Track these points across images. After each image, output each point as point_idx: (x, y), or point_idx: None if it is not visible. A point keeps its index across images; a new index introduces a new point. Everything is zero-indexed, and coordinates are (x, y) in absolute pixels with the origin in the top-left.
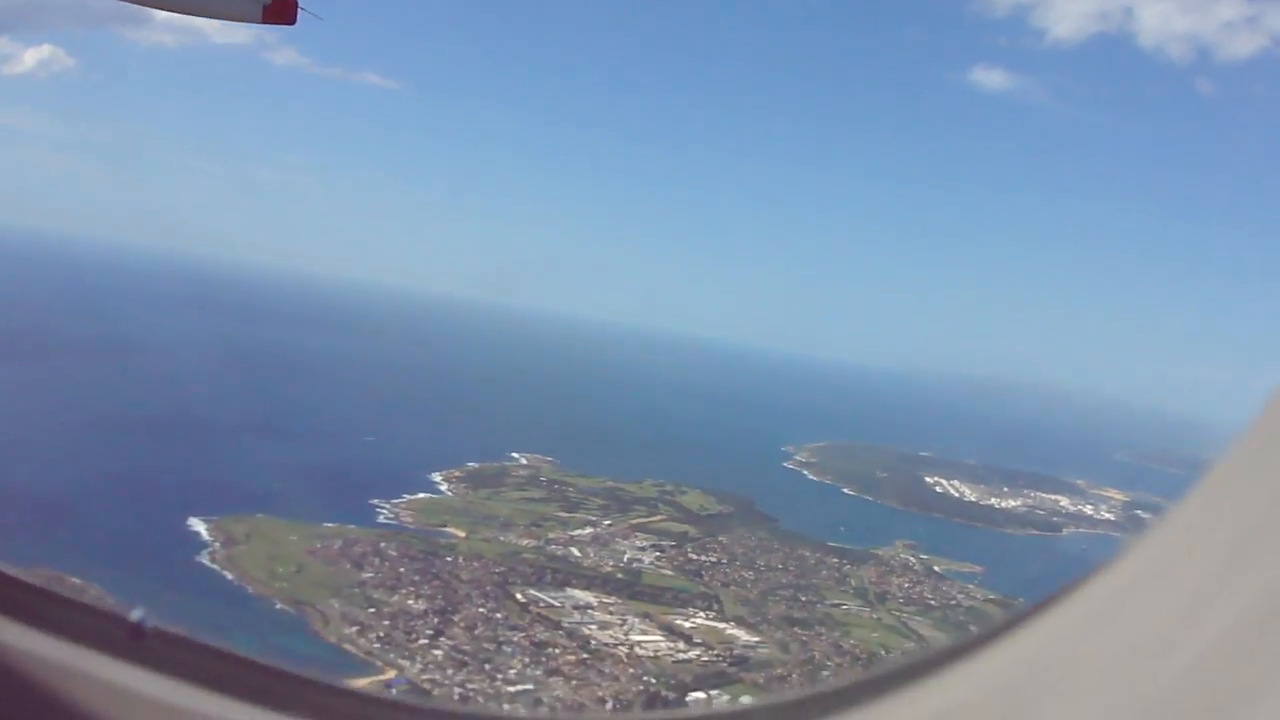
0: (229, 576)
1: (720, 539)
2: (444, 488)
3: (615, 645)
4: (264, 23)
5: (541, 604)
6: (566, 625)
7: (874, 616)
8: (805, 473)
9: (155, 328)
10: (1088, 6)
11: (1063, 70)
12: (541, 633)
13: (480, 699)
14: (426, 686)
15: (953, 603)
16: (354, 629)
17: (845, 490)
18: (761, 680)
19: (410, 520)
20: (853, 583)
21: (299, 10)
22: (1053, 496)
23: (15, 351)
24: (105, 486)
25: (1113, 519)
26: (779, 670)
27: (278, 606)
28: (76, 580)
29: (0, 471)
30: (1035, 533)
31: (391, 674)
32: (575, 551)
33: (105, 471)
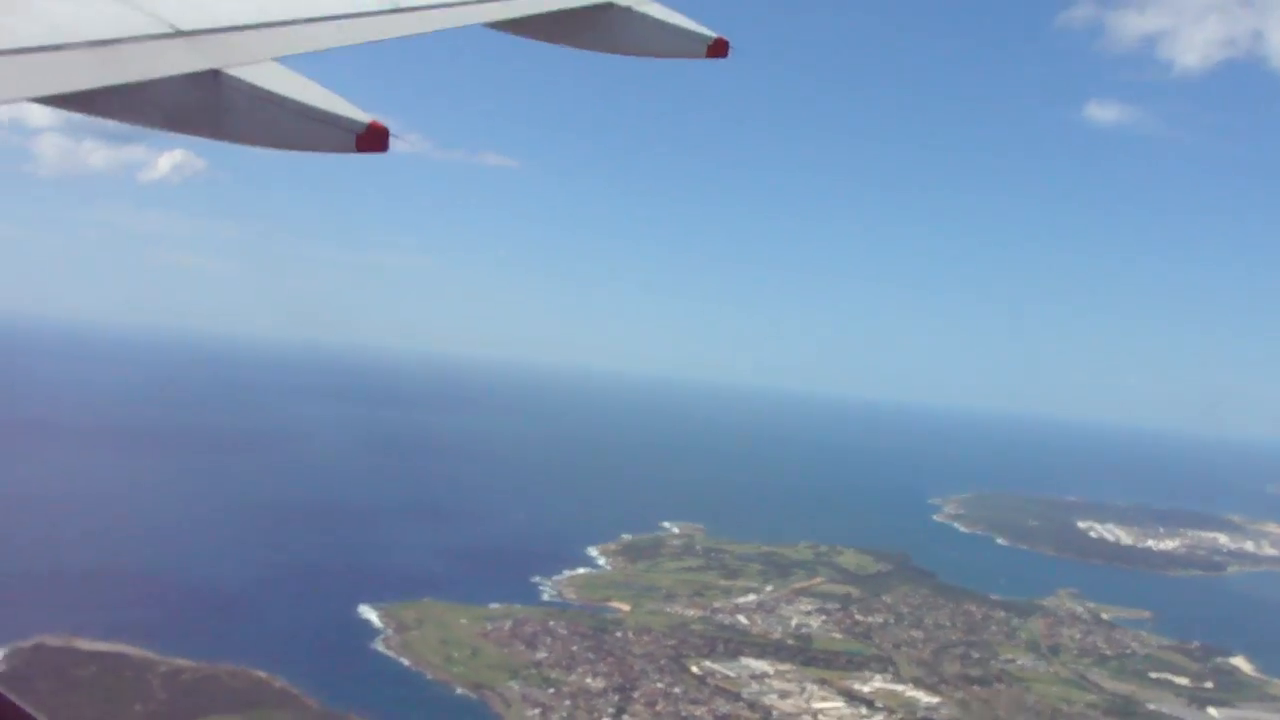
0: (405, 663)
1: (884, 598)
2: (601, 561)
3: (798, 714)
4: (358, 152)
5: (718, 675)
6: (746, 696)
7: (1050, 670)
8: (956, 525)
9: (297, 417)
10: (1215, 34)
11: (1189, 100)
12: (723, 705)
13: None
14: None
15: (1128, 651)
16: (536, 711)
17: (998, 540)
18: None
19: (574, 597)
20: (1023, 636)
21: (390, 137)
22: (1210, 535)
23: (169, 447)
24: (273, 576)
25: (1277, 554)
26: None
27: (458, 691)
28: (261, 674)
29: (173, 565)
30: (1199, 573)
31: None
32: (743, 619)
33: (271, 561)
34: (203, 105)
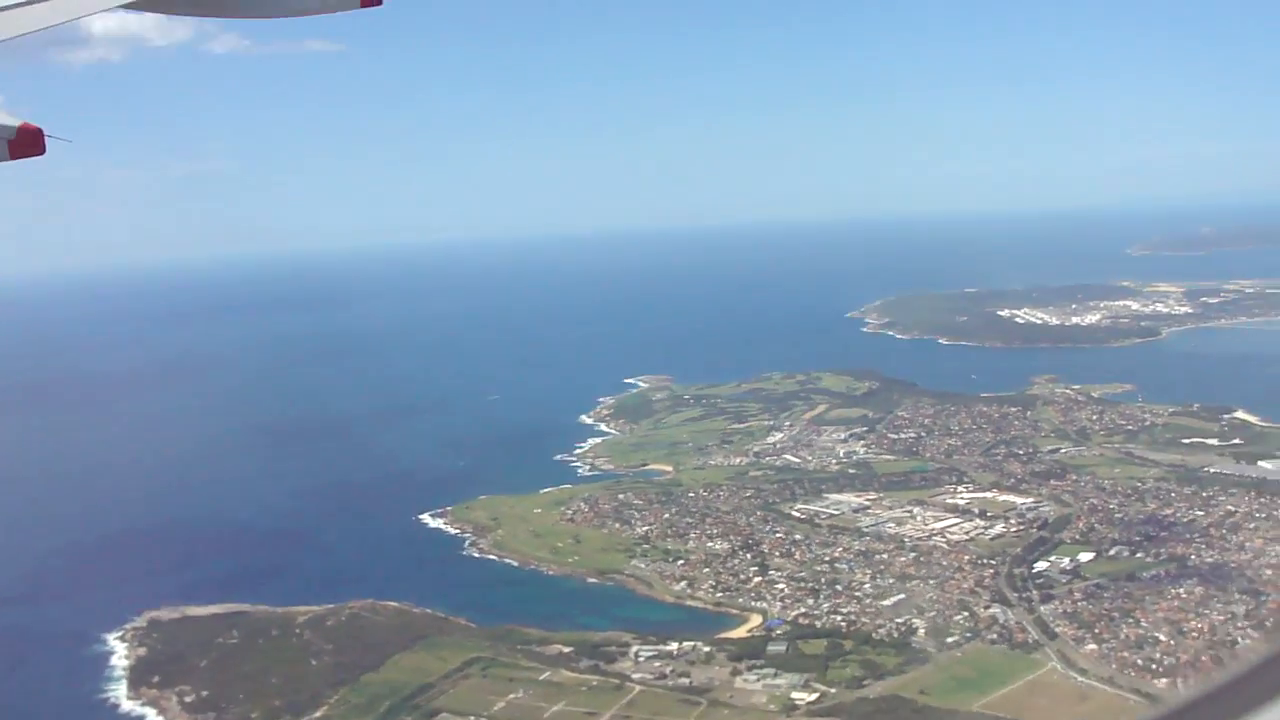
0: (513, 563)
1: (899, 413)
2: (604, 428)
3: (928, 537)
4: (13, 158)
5: (823, 515)
6: (867, 530)
7: (1097, 453)
8: (890, 333)
9: (212, 336)
10: None
11: None
12: (853, 542)
13: (864, 620)
14: (803, 621)
15: (1146, 424)
16: (683, 584)
17: (940, 341)
18: (1078, 536)
19: (611, 466)
20: (1045, 426)
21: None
22: (1120, 303)
23: (119, 388)
24: (313, 504)
25: (1191, 310)
26: (1082, 523)
27: (590, 581)
28: (394, 604)
29: (211, 511)
30: (1139, 340)
31: (757, 619)
32: (792, 459)
33: (300, 489)
34: None
